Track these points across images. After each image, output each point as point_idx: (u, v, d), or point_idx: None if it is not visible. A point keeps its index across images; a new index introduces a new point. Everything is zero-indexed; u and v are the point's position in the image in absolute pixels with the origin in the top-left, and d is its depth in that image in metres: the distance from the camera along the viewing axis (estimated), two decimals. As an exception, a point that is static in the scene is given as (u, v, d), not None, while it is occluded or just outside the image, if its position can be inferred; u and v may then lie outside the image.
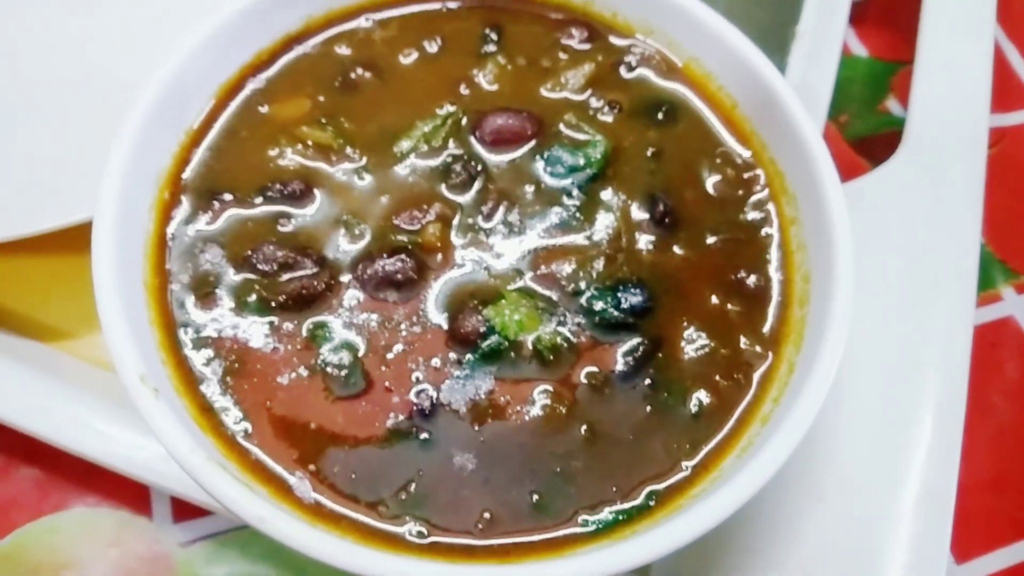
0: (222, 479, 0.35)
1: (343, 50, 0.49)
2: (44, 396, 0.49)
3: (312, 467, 0.39)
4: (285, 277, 0.42)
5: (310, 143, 0.46)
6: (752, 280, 0.44)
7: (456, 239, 0.44)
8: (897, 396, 0.48)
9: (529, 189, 0.46)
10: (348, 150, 0.46)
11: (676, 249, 0.45)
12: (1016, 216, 0.68)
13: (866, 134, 0.69)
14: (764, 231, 0.46)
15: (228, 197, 0.44)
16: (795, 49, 0.70)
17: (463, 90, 0.49)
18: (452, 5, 0.51)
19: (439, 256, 0.44)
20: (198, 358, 0.40)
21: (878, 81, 0.72)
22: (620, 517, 0.38)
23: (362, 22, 0.50)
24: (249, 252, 0.43)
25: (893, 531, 0.43)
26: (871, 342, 0.45)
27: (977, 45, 0.61)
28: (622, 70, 0.50)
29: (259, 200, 0.44)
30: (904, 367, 0.48)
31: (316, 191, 0.45)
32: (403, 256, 0.43)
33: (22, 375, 0.51)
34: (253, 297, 0.42)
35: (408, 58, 0.49)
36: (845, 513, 0.44)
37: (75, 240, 0.52)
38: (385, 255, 0.43)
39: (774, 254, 0.45)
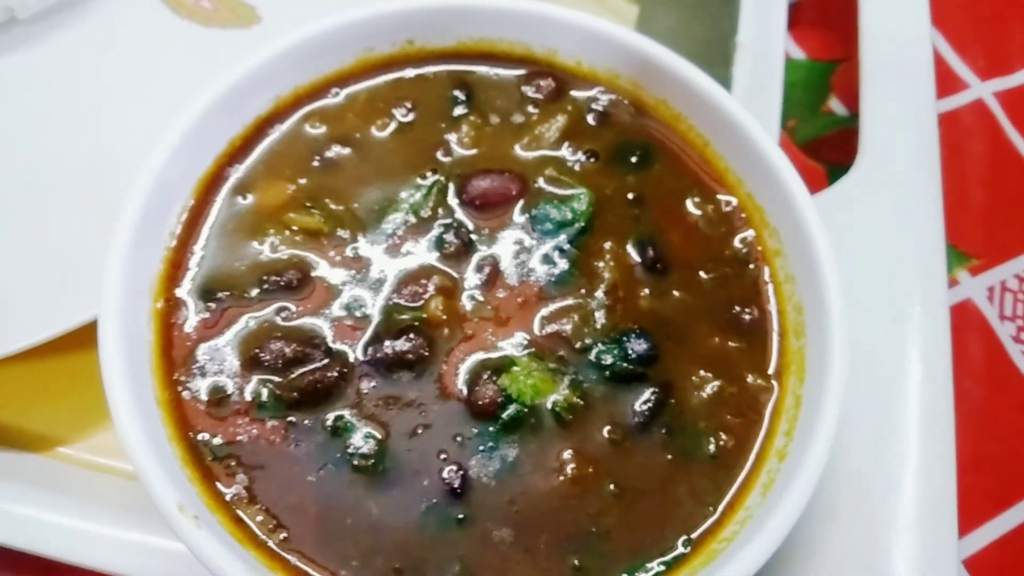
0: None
1: (317, 128, 0.49)
2: (52, 514, 0.48)
3: (355, 564, 0.39)
4: (296, 372, 0.42)
5: (299, 229, 0.46)
6: (747, 315, 0.46)
7: (460, 310, 0.45)
8: (888, 403, 0.51)
9: (522, 249, 0.47)
10: (338, 232, 0.46)
11: (671, 292, 0.47)
12: (961, 200, 0.71)
13: (815, 136, 0.72)
14: (751, 265, 0.48)
15: (224, 296, 0.44)
16: (738, 61, 0.73)
17: (441, 156, 0.49)
18: (419, 71, 0.51)
19: (446, 330, 0.44)
20: (222, 469, 0.40)
21: (819, 82, 0.75)
22: (660, 568, 0.40)
23: (330, 97, 0.50)
24: (256, 351, 0.42)
25: (904, 539, 0.46)
26: (856, 356, 0.48)
27: (916, 44, 0.64)
28: (594, 118, 0.51)
29: (257, 295, 0.44)
30: (890, 376, 0.51)
31: (313, 278, 0.45)
32: (411, 335, 0.43)
33: (17, 493, 0.49)
34: (267, 397, 0.42)
35: (382, 129, 0.49)
36: (860, 527, 0.47)
37: (54, 341, 0.51)
38: (393, 336, 0.43)
39: (763, 287, 0.47)
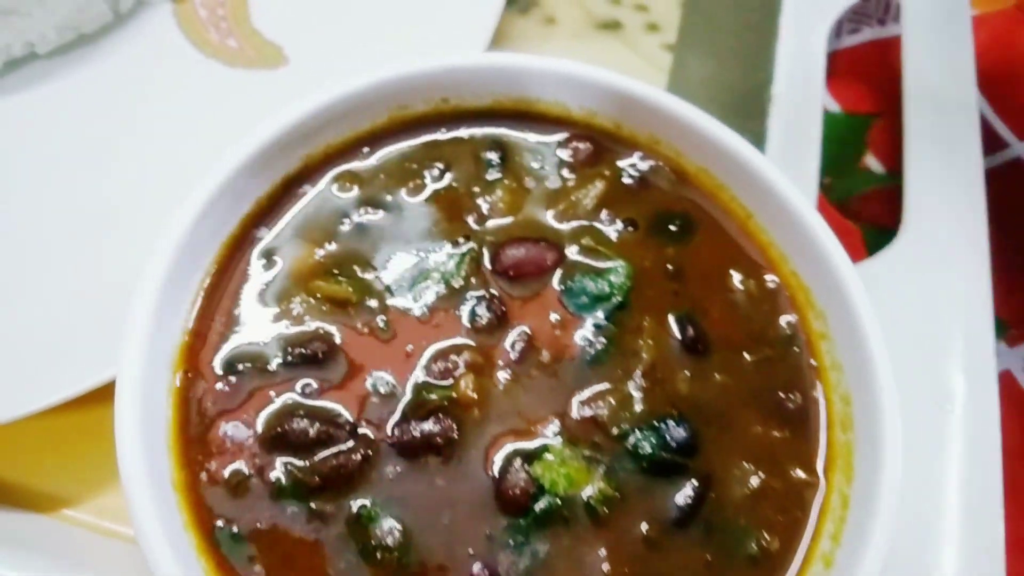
0: None
1: (346, 189, 0.47)
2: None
3: (376, 667, 0.37)
4: (319, 455, 0.40)
5: (325, 297, 0.44)
6: (791, 402, 0.44)
7: (491, 390, 0.43)
8: (935, 491, 0.49)
9: (557, 325, 0.45)
10: (367, 301, 0.44)
11: (711, 375, 0.44)
12: (998, 263, 0.69)
13: (850, 194, 0.70)
14: (795, 348, 0.46)
15: (246, 368, 0.42)
16: (774, 113, 0.71)
17: (474, 221, 0.47)
18: (453, 130, 0.49)
19: (476, 411, 0.42)
20: (239, 559, 0.38)
21: (855, 137, 0.73)
22: None
23: (361, 156, 0.48)
24: (278, 430, 0.40)
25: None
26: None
27: (962, 107, 0.62)
28: (632, 184, 0.49)
29: (280, 368, 0.42)
30: (936, 464, 0.49)
31: (339, 351, 0.43)
32: (439, 415, 0.41)
33: (21, 558, 0.47)
34: (288, 482, 0.39)
35: (414, 192, 0.47)
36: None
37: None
38: (421, 417, 0.41)
39: (808, 373, 0.45)
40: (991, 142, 0.76)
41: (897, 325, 0.53)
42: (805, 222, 0.45)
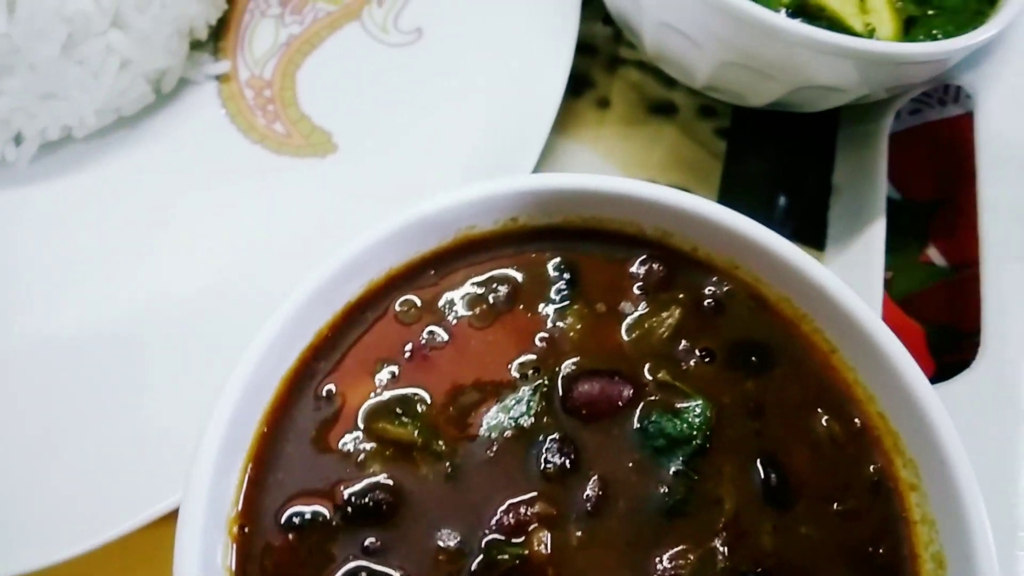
0: None
1: (410, 317, 0.44)
2: None
3: None
4: (385, 625, 0.38)
5: (389, 440, 0.41)
6: (879, 559, 0.42)
7: (564, 546, 0.40)
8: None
9: (632, 470, 0.42)
10: (432, 445, 0.41)
11: (796, 527, 0.42)
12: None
13: (913, 290, 0.67)
14: (881, 497, 0.43)
15: (304, 521, 0.39)
16: (833, 204, 0.69)
17: (543, 352, 0.44)
18: (521, 249, 0.47)
19: (549, 571, 0.39)
20: None
21: (917, 227, 0.70)
22: None
23: (426, 280, 0.45)
24: (340, 595, 0.38)
25: None
26: None
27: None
28: (708, 311, 0.47)
29: (341, 522, 0.39)
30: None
31: (404, 502, 0.40)
32: (511, 577, 0.39)
33: None
34: (352, 656, 0.37)
35: (480, 318, 0.45)
36: None
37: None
38: (492, 579, 0.39)
39: (896, 525, 0.42)
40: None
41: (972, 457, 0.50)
42: (895, 362, 0.43)
